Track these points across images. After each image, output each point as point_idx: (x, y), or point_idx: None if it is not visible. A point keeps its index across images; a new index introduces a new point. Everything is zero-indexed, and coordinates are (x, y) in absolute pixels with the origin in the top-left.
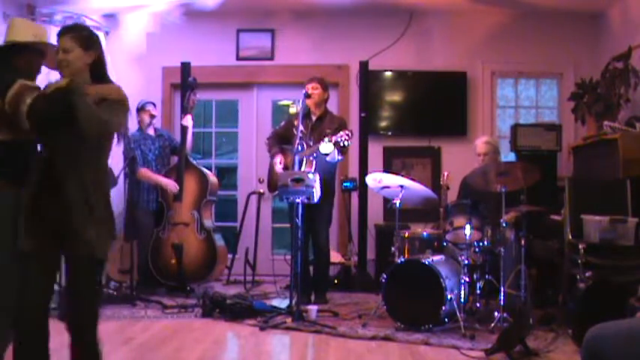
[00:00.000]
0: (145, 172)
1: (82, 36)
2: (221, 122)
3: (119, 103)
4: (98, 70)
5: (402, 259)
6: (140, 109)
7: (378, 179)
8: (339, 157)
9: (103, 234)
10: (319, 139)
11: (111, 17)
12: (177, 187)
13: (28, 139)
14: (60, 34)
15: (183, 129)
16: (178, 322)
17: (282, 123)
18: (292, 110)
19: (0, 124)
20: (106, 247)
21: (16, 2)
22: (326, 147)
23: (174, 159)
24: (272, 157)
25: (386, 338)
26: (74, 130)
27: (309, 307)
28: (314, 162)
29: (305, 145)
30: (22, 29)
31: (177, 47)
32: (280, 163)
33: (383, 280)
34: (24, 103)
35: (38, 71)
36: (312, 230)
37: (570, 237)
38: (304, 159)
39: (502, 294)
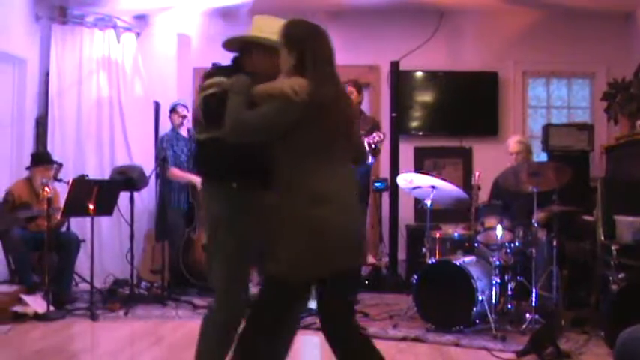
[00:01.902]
0: (175, 172)
1: (284, 38)
2: None
3: (277, 100)
4: (301, 69)
5: (433, 260)
6: (171, 111)
7: (409, 180)
8: (371, 160)
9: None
10: None
11: (142, 18)
12: None
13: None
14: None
15: None
16: None
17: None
18: None
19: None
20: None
21: (49, 4)
22: None
23: None
24: None
25: (416, 339)
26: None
27: None
28: None
29: None
30: (257, 27)
31: (209, 48)
32: None
33: (414, 281)
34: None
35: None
36: None
37: (603, 238)
38: None
39: (533, 295)
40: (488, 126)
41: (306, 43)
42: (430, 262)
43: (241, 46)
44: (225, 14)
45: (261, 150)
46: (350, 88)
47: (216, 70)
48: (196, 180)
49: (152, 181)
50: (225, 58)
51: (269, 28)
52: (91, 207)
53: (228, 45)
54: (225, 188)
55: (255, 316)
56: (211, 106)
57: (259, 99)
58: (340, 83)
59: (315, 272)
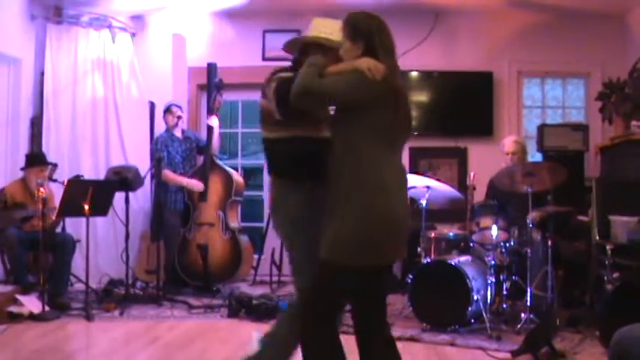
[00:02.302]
0: (168, 175)
1: (348, 28)
2: (247, 123)
3: (351, 73)
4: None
5: (429, 260)
6: (166, 111)
7: None
8: None
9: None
10: None
11: (137, 18)
12: (202, 186)
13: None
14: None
15: (209, 129)
16: (204, 322)
17: None
18: None
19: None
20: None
21: (44, 3)
22: None
23: (200, 159)
24: None
25: (412, 339)
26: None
27: None
28: None
29: None
30: (316, 28)
31: (204, 48)
32: None
33: (409, 281)
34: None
35: None
36: None
37: (597, 238)
38: None
39: (529, 295)
40: (483, 126)
41: (373, 33)
42: (425, 261)
43: (301, 47)
44: (221, 14)
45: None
46: None
47: (278, 70)
48: (188, 182)
49: (147, 181)
50: (220, 59)
51: (327, 29)
52: (86, 207)
53: (289, 46)
54: (300, 187)
55: (308, 304)
56: (284, 90)
57: (331, 76)
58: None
59: (363, 260)
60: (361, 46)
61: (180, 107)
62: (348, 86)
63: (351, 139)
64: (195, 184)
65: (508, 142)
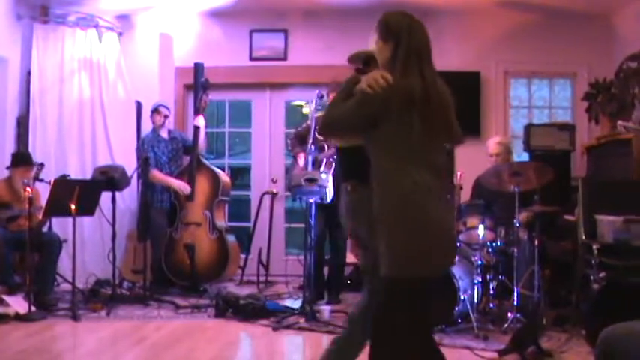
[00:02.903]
0: (156, 175)
1: (380, 30)
2: (234, 122)
3: (358, 94)
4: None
5: None
6: (153, 111)
7: None
8: None
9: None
10: None
11: (124, 18)
12: (189, 189)
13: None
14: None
15: (196, 129)
16: (191, 322)
17: (304, 124)
18: (305, 111)
19: None
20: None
21: (30, 3)
22: None
23: (187, 159)
24: (295, 156)
25: None
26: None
27: (322, 307)
28: (333, 163)
29: (326, 147)
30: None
31: (191, 48)
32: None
33: None
34: None
35: None
36: (331, 230)
37: (584, 237)
38: (324, 160)
39: (515, 294)
40: (470, 126)
41: (401, 35)
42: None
43: (365, 59)
44: (208, 14)
45: None
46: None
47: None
48: (176, 184)
49: (134, 181)
50: (207, 58)
51: None
52: (73, 207)
53: (353, 59)
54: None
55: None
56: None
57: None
58: (436, 74)
59: (419, 271)
60: (391, 47)
61: (167, 107)
62: (352, 112)
63: (375, 158)
64: (183, 187)
65: (492, 144)
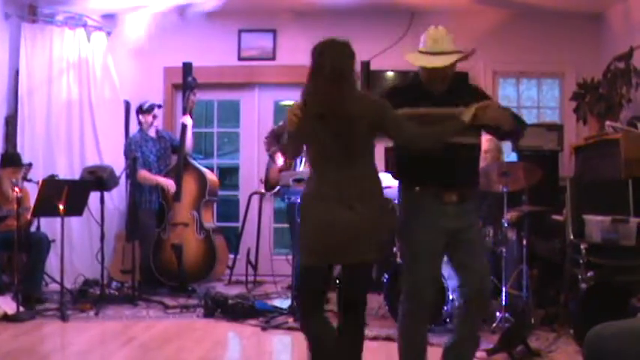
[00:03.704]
0: (144, 174)
1: None
2: (223, 122)
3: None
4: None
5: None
6: (145, 111)
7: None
8: None
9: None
10: None
11: (112, 17)
12: (174, 186)
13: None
14: None
15: (183, 129)
16: (180, 322)
17: (282, 122)
18: None
19: None
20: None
21: (18, 2)
22: None
23: (175, 159)
24: (271, 155)
25: (388, 338)
26: None
27: None
28: None
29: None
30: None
31: (179, 47)
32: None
33: (384, 280)
34: None
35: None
36: None
37: (572, 237)
38: (304, 159)
39: (504, 294)
40: None
41: (313, 57)
42: (400, 261)
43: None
44: (197, 14)
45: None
46: None
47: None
48: (163, 181)
49: (122, 181)
50: (196, 58)
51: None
52: (61, 207)
53: None
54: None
55: None
56: None
57: None
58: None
59: (303, 260)
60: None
61: (157, 106)
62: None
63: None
64: (169, 184)
65: (483, 141)
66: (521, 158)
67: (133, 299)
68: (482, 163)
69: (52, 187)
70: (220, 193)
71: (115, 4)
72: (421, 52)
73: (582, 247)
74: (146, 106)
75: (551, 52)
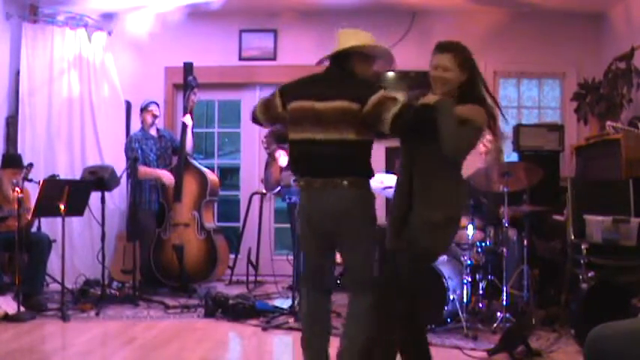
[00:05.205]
0: (143, 170)
1: (462, 57)
2: (223, 122)
3: (477, 128)
4: (467, 90)
5: None
6: (143, 109)
7: (379, 180)
8: None
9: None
10: None
11: (113, 17)
12: (173, 180)
13: (370, 139)
14: (439, 51)
15: (183, 129)
16: (181, 323)
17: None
18: None
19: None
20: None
21: (19, 2)
22: None
23: (175, 159)
24: (271, 153)
25: None
26: (434, 145)
27: None
28: None
29: None
30: (343, 38)
31: (180, 47)
32: (285, 155)
33: None
34: (387, 111)
35: (375, 75)
36: None
37: (573, 237)
38: None
39: (505, 294)
40: None
41: (474, 65)
42: None
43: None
44: (197, 14)
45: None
46: None
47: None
48: (160, 173)
49: (123, 181)
50: (197, 58)
51: (353, 37)
52: (62, 207)
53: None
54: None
55: None
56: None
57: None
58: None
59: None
60: (466, 75)
61: (157, 105)
62: (477, 139)
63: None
64: (166, 176)
65: (483, 141)
66: (522, 158)
67: (133, 299)
68: (482, 164)
69: (52, 187)
70: (221, 193)
71: (115, 4)
72: None
73: (583, 247)
74: (144, 104)
75: (552, 52)
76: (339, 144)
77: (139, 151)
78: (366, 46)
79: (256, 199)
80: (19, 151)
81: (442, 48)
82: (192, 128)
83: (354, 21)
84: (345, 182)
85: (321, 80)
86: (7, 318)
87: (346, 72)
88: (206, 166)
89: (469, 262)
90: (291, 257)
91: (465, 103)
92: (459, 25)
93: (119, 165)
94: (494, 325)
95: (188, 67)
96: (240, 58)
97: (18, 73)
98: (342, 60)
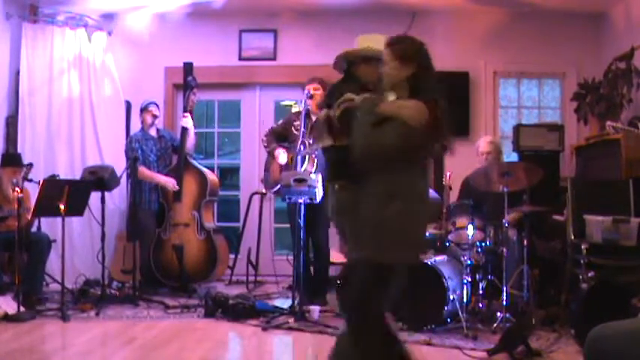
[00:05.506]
0: (143, 172)
1: (401, 51)
2: (223, 122)
3: (403, 124)
4: (414, 85)
5: None
6: (143, 110)
7: None
8: None
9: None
10: None
11: (113, 17)
12: (176, 185)
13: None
14: (384, 47)
15: (183, 129)
16: (181, 323)
17: (281, 121)
18: (295, 110)
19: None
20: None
21: (19, 2)
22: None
23: (175, 159)
24: (271, 152)
25: None
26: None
27: (312, 307)
28: (315, 160)
29: (306, 144)
30: (360, 42)
31: (180, 47)
32: (284, 152)
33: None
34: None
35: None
36: (312, 230)
37: (573, 237)
38: (306, 157)
39: (504, 294)
40: (459, 126)
41: (421, 56)
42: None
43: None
44: (197, 14)
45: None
46: (316, 85)
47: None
48: (163, 180)
49: (123, 181)
50: (197, 58)
51: (366, 42)
52: (62, 207)
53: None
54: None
55: None
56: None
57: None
58: None
59: None
60: (411, 69)
61: (157, 106)
62: (403, 137)
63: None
64: (170, 183)
65: (483, 143)
66: (522, 158)
67: (133, 299)
68: (482, 164)
69: (52, 187)
70: (221, 193)
71: (115, 4)
72: None
73: (583, 247)
74: (144, 104)
75: (552, 52)
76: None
77: (139, 152)
78: (357, 50)
79: (256, 199)
80: (19, 150)
81: (386, 44)
82: (193, 128)
83: (354, 21)
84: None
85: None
86: (7, 318)
87: (346, 77)
88: (206, 166)
89: (469, 262)
90: (291, 257)
91: (416, 97)
92: (459, 25)
93: (119, 165)
94: (494, 325)
95: (188, 67)
96: (240, 58)
97: (18, 73)
98: (349, 65)
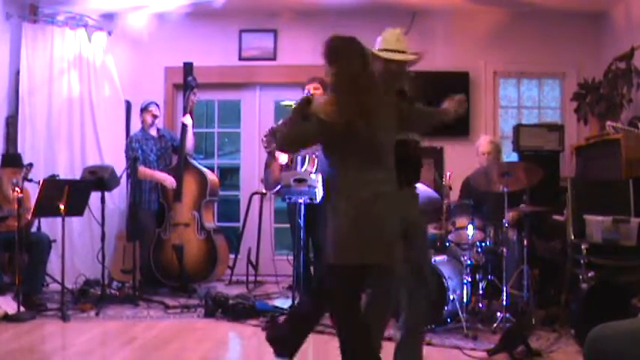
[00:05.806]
0: (143, 170)
1: (323, 51)
2: (223, 122)
3: (318, 119)
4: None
5: None
6: (143, 110)
7: None
8: None
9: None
10: None
11: (113, 17)
12: (175, 182)
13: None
14: None
15: (183, 129)
16: (181, 323)
17: (281, 121)
18: None
19: None
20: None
21: (19, 2)
22: None
23: (176, 159)
24: (271, 152)
25: (388, 338)
26: None
27: None
28: (316, 160)
29: None
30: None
31: (180, 47)
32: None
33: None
34: None
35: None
36: (312, 230)
37: (573, 237)
38: (307, 157)
39: (504, 294)
40: (459, 126)
41: (343, 56)
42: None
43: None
44: (197, 14)
45: None
46: (315, 85)
47: None
48: (162, 177)
49: (123, 181)
50: (197, 58)
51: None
52: (62, 207)
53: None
54: None
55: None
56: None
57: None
58: None
59: None
60: (334, 69)
61: (157, 105)
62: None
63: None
64: (168, 180)
65: (483, 143)
66: (522, 158)
67: (133, 299)
68: (482, 164)
69: (52, 187)
70: (221, 193)
71: (115, 4)
72: (384, 50)
73: (583, 247)
74: (144, 104)
75: (552, 52)
76: None
77: (139, 152)
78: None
79: (256, 199)
80: (19, 150)
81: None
82: (193, 128)
83: (354, 21)
84: None
85: None
86: (7, 318)
87: None
88: (206, 166)
89: (469, 262)
90: (291, 257)
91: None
92: (459, 25)
93: (119, 165)
94: (494, 325)
95: (188, 67)
96: (240, 58)
97: (18, 72)
98: None
